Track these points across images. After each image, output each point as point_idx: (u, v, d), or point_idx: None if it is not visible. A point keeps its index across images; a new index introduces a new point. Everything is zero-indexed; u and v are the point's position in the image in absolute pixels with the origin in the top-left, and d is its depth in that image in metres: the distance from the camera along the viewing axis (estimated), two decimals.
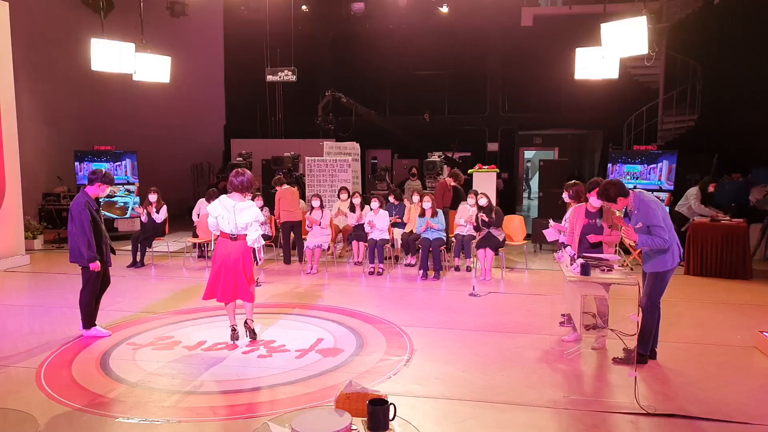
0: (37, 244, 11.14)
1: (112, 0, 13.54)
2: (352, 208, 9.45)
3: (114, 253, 6.07)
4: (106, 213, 12.20)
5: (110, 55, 7.85)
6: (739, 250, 8.44)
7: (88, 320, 5.80)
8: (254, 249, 5.61)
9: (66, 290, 7.61)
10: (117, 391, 4.51)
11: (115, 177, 12.07)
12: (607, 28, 7.22)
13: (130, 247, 9.55)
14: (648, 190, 8.99)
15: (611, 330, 4.68)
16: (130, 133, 14.94)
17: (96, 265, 5.61)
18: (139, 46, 8.42)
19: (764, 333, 5.45)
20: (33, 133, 13.01)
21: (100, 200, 5.98)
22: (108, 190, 5.84)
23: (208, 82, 17.36)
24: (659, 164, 10.47)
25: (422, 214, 8.91)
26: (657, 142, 13.13)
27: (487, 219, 8.37)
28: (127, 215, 12.53)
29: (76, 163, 12.21)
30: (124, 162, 12.73)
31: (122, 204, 12.53)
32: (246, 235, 5.44)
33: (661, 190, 10.33)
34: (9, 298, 7.59)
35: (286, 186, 9.86)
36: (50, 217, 12.35)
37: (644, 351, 5.01)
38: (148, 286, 8.17)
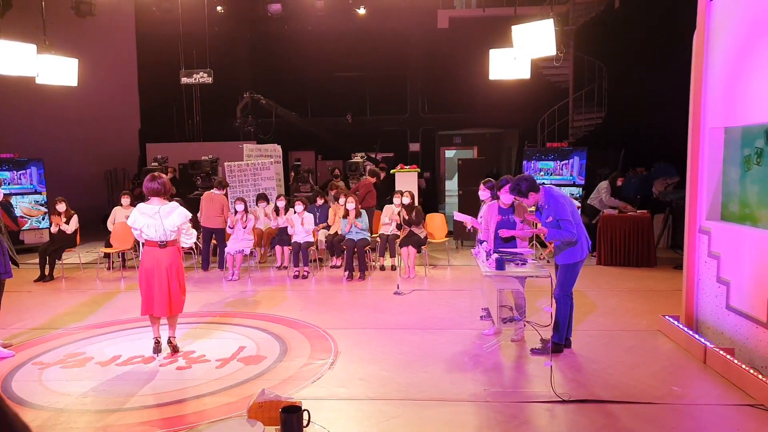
0: None
1: None
2: (277, 211, 9.34)
3: (17, 265, 5.71)
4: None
5: (8, 57, 7.36)
6: (645, 239, 8.97)
7: None
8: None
9: None
10: (21, 416, 4.23)
11: (19, 186, 11.65)
12: (517, 31, 7.47)
13: (37, 261, 9.01)
14: (560, 185, 9.38)
15: (527, 322, 4.84)
16: (35, 140, 14.12)
17: None
18: (42, 48, 7.96)
19: (667, 317, 5.81)
20: None
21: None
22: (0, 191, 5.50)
23: (121, 85, 16.66)
24: (571, 160, 10.96)
25: (345, 215, 8.93)
26: (568, 140, 13.73)
27: (407, 217, 8.53)
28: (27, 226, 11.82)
29: None
30: (29, 170, 12.00)
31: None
32: (174, 240, 5.26)
33: (573, 185, 10.81)
34: None
35: (214, 191, 9.55)
36: None
37: (560, 340, 5.22)
38: (58, 301, 7.73)
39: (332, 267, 9.38)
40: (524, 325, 5.52)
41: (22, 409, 4.35)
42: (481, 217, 5.94)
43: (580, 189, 10.76)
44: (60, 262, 9.14)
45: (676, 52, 7.83)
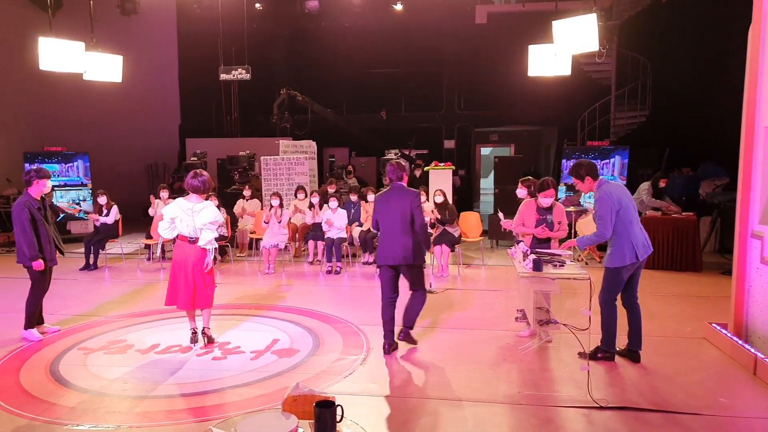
0: None
1: None
2: (310, 207, 9.40)
3: (63, 254, 5.89)
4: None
5: (59, 55, 7.53)
6: (690, 243, 8.65)
7: (29, 321, 5.67)
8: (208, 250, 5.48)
9: (16, 294, 7.27)
10: (67, 398, 4.36)
11: (67, 179, 12.00)
12: (558, 26, 7.30)
13: (82, 250, 9.26)
14: None
15: (564, 325, 4.74)
16: (81, 134, 14.51)
17: (39, 264, 5.48)
18: (89, 45, 8.15)
19: (713, 324, 5.59)
20: None
21: (52, 200, 5.82)
22: (49, 183, 5.68)
23: (162, 81, 16.97)
24: (612, 159, 10.71)
25: None
26: (610, 138, 13.42)
27: (439, 216, 8.46)
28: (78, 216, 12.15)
29: (26, 165, 11.76)
30: (75, 163, 12.39)
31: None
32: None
33: None
34: None
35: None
36: (0, 220, 11.93)
37: (608, 348, 5.01)
38: (101, 289, 7.93)
39: (364, 263, 9.37)
40: (560, 328, 5.39)
41: (68, 390, 4.48)
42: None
43: None
44: (103, 252, 9.38)
45: (728, 47, 7.54)
